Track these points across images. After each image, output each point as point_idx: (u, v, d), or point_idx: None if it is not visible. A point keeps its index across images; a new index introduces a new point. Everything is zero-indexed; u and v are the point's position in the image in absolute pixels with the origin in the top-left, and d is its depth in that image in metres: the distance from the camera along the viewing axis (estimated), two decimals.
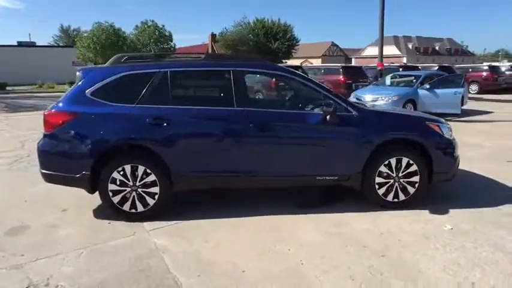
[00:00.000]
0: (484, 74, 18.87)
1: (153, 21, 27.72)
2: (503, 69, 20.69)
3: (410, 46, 61.86)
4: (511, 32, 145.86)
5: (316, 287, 2.47)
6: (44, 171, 3.48)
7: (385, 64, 20.04)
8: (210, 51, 53.16)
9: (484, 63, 29.22)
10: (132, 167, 3.40)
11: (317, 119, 3.53)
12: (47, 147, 3.42)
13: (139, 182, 3.43)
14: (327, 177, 3.67)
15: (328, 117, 3.49)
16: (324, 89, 3.69)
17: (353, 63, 50.96)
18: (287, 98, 4.15)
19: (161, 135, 3.39)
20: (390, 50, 61.20)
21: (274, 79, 3.98)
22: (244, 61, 3.72)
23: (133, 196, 3.46)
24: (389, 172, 3.70)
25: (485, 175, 4.88)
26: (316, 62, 50.79)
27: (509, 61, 54.11)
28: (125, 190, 3.45)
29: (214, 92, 3.72)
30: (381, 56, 14.92)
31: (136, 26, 27.97)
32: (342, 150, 3.63)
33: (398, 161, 3.68)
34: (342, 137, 3.62)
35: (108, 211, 3.64)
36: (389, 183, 3.73)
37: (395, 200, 3.77)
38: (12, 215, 3.70)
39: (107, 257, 2.88)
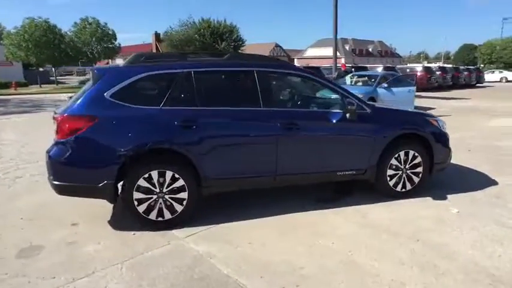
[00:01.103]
0: (419, 73, 20.90)
1: (94, 18, 25.93)
2: (434, 69, 23.21)
3: (347, 48, 65.93)
4: (430, 36, 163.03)
5: (378, 275, 2.62)
6: (57, 182, 3.15)
7: (327, 65, 21.39)
8: (154, 50, 51.31)
9: (409, 64, 32.56)
10: (159, 172, 3.23)
11: (338, 117, 3.69)
12: (61, 156, 3.10)
13: (167, 188, 3.28)
14: (347, 172, 3.86)
15: (348, 115, 3.68)
16: (341, 88, 3.88)
17: (295, 64, 52.82)
18: (308, 98, 4.26)
19: (191, 137, 3.27)
20: (330, 51, 64.45)
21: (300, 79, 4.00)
22: (267, 61, 3.74)
23: (160, 203, 3.30)
24: (399, 164, 4.01)
25: (457, 163, 5.48)
26: None
27: (428, 62, 60.86)
28: (151, 198, 3.27)
29: (240, 92, 3.67)
30: (335, 57, 15.79)
31: (75, 23, 25.95)
32: (360, 146, 3.85)
33: (406, 154, 4.01)
34: (360, 133, 3.83)
35: (126, 221, 3.44)
36: (398, 175, 4.04)
37: (403, 190, 4.10)
38: (13, 236, 3.29)
39: (153, 269, 2.72)
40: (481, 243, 3.07)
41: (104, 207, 3.80)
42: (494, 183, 4.65)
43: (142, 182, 3.21)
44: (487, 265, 2.73)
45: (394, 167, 4.00)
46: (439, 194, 4.19)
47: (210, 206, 3.86)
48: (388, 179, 4.01)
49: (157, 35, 48.46)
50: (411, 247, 3.01)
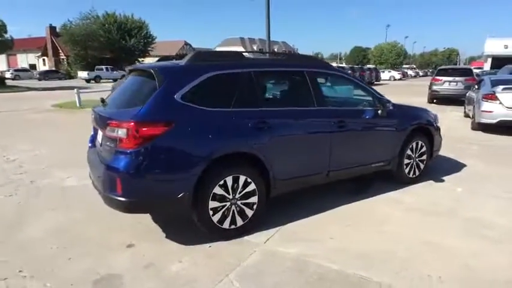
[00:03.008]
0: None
1: None
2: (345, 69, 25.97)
3: (255, 47, 68.45)
4: (324, 38, 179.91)
5: (455, 248, 3.02)
6: (126, 199, 2.72)
7: None
8: (49, 46, 44.97)
9: None
10: (233, 178, 3.07)
11: (372, 114, 4.02)
12: (134, 168, 2.69)
13: (239, 193, 3.14)
14: (378, 164, 4.24)
15: (380, 111, 4.05)
16: (370, 87, 4.22)
17: None
18: (347, 96, 4.45)
19: (263, 139, 3.18)
20: (236, 50, 66.16)
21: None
22: (315, 61, 3.84)
23: (233, 210, 3.14)
24: (411, 154, 4.58)
25: None
26: None
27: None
28: (225, 205, 3.09)
29: (297, 92, 3.67)
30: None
31: None
32: (388, 139, 4.27)
33: (416, 144, 4.60)
34: (388, 128, 4.24)
35: (187, 234, 3.21)
36: (410, 163, 4.61)
37: (414, 176, 4.69)
38: (68, 269, 2.73)
39: (265, 278, 2.62)
40: (499, 213, 3.77)
41: (141, 223, 3.48)
42: (463, 165, 5.61)
43: (217, 190, 3.01)
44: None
45: (407, 156, 4.54)
46: (435, 178, 4.90)
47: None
48: (405, 167, 4.53)
49: (52, 28, 42.74)
50: (459, 224, 3.52)
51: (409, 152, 4.53)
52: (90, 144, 3.81)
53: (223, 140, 3.00)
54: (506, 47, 38.77)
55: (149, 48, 43.49)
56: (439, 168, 5.38)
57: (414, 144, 4.57)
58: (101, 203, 3.88)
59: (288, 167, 3.43)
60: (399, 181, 4.59)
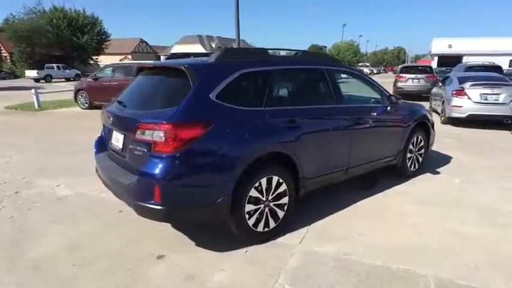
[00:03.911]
0: None
1: None
2: None
3: (213, 45, 67.58)
4: (282, 35, 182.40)
5: (476, 234, 3.19)
6: (164, 207, 2.51)
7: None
8: None
9: None
10: (267, 179, 2.98)
11: (382, 110, 4.12)
12: (172, 174, 2.49)
13: (272, 195, 3.06)
14: (387, 159, 4.35)
15: (389, 108, 4.16)
16: (379, 84, 4.31)
17: (162, 60, 51.04)
18: (358, 94, 4.46)
19: (294, 138, 3.11)
20: (197, 48, 64.91)
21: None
22: (330, 59, 3.83)
23: (266, 213, 3.05)
24: (412, 148, 4.76)
25: None
26: (127, 60, 47.73)
27: None
28: (259, 208, 2.99)
29: (319, 90, 3.62)
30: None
31: None
32: (396, 134, 4.40)
33: (417, 139, 4.79)
34: (396, 123, 4.37)
35: (216, 240, 3.08)
36: (412, 157, 4.80)
37: (414, 169, 4.89)
38: (103, 286, 2.47)
39: (316, 280, 2.56)
40: (499, 199, 4.08)
41: (161, 231, 3.30)
42: (449, 157, 5.96)
43: (253, 192, 2.90)
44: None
45: (410, 150, 4.72)
46: (431, 170, 5.14)
47: None
48: (407, 161, 4.71)
49: None
50: (472, 212, 3.72)
51: (410, 146, 4.71)
52: (95, 150, 3.49)
53: (261, 141, 2.89)
54: (450, 46, 42.11)
55: (104, 46, 41.30)
56: (429, 160, 5.66)
57: (415, 139, 4.76)
58: (107, 213, 3.65)
59: (315, 166, 3.40)
60: (402, 175, 4.75)
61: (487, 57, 28.93)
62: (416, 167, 4.93)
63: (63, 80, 32.32)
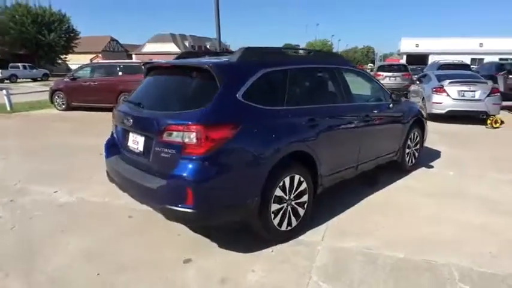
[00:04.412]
0: None
1: None
2: None
3: (187, 44, 66.58)
4: (256, 34, 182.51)
5: (492, 225, 3.37)
6: (197, 210, 2.46)
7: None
8: None
9: None
10: (290, 178, 2.99)
11: (386, 108, 4.26)
12: (206, 176, 2.45)
13: (293, 194, 3.08)
14: (390, 155, 4.50)
15: (391, 105, 4.30)
16: (380, 83, 4.44)
17: (134, 59, 49.80)
18: (364, 92, 4.54)
19: (314, 137, 3.15)
20: (170, 47, 63.70)
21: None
22: (338, 58, 3.91)
23: (289, 211, 3.07)
24: (410, 143, 4.94)
25: None
26: (98, 59, 45.95)
27: None
28: (282, 207, 3.00)
29: (332, 89, 3.66)
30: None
31: None
32: (398, 131, 4.56)
33: (414, 134, 4.98)
34: (398, 120, 4.52)
35: (237, 241, 3.06)
36: (409, 152, 4.98)
37: (411, 164, 5.08)
38: None
39: (348, 275, 2.61)
40: (491, 188, 4.37)
41: (179, 235, 3.25)
42: (438, 151, 6.23)
43: (278, 192, 2.91)
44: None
45: (408, 146, 4.90)
46: (425, 165, 5.36)
47: None
48: (406, 156, 4.88)
49: None
50: (472, 202, 3.93)
51: (408, 142, 4.89)
52: (106, 153, 3.36)
53: (286, 140, 2.90)
54: (417, 45, 44.04)
55: (73, 44, 39.60)
56: (421, 155, 5.90)
57: (412, 135, 4.94)
58: (118, 219, 3.52)
59: (331, 163, 3.46)
60: (402, 170, 4.92)
61: (450, 55, 30.59)
62: (413, 162, 5.12)
63: (30, 80, 30.66)
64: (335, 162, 3.53)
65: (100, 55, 49.22)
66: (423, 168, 5.22)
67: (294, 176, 3.02)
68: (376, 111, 4.10)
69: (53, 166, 5.42)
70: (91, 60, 35.95)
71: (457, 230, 3.29)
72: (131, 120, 2.91)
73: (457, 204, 3.90)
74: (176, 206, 2.48)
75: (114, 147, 3.30)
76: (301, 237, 3.17)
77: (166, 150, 2.57)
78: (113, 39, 57.79)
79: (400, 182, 4.63)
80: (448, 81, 9.08)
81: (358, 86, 4.43)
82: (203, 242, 3.11)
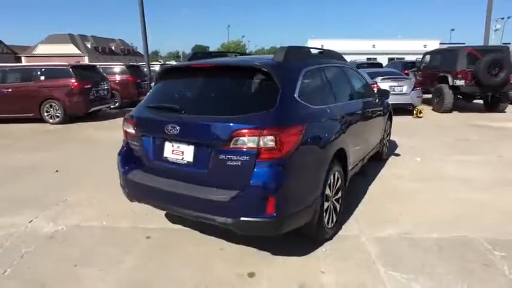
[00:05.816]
0: None
1: None
2: None
3: (88, 45, 60.76)
4: (164, 36, 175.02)
5: (483, 199, 3.89)
6: (279, 218, 2.32)
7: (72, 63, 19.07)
8: None
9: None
10: (333, 175, 3.02)
11: (374, 103, 4.58)
12: (287, 181, 2.34)
13: (333, 190, 3.12)
14: (376, 147, 4.84)
15: (377, 100, 4.65)
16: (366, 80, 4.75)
17: (24, 63, 43.65)
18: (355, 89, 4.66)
19: (347, 133, 3.22)
20: (69, 48, 57.33)
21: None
22: (342, 58, 4.06)
23: (331, 208, 3.09)
24: (385, 135, 5.41)
25: None
26: None
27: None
28: (328, 205, 3.02)
29: (347, 87, 3.73)
30: (147, 55, 15.07)
31: None
32: (382, 123, 4.93)
33: (386, 126, 5.46)
34: (382, 114, 4.89)
35: (281, 246, 2.97)
36: (385, 143, 5.46)
37: (386, 153, 5.57)
38: None
39: (408, 260, 2.75)
40: (459, 168, 5.05)
41: (222, 249, 3.02)
42: (393, 140, 6.93)
43: (327, 190, 2.91)
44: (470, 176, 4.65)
45: (383, 136, 5.36)
46: (392, 153, 5.92)
47: None
48: (383, 146, 5.34)
49: None
50: (455, 182, 4.50)
51: (384, 133, 5.35)
52: (123, 168, 2.90)
53: (335, 138, 2.92)
54: (322, 46, 47.90)
55: None
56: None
57: (387, 127, 5.42)
58: (137, 243, 3.12)
59: (353, 158, 3.58)
60: (381, 159, 5.36)
61: (349, 55, 34.15)
62: (387, 151, 5.62)
63: None
64: (355, 156, 3.67)
65: None
66: (393, 156, 5.77)
67: (335, 173, 3.06)
68: (373, 106, 4.39)
69: (2, 193, 4.44)
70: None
71: (460, 208, 3.73)
72: (172, 128, 2.56)
73: (444, 185, 4.41)
74: (254, 217, 2.29)
75: (135, 159, 2.87)
76: (341, 233, 3.22)
77: (234, 157, 2.33)
78: None
79: (385, 171, 5.04)
80: (380, 77, 10.16)
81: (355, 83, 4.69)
82: (251, 252, 2.92)
